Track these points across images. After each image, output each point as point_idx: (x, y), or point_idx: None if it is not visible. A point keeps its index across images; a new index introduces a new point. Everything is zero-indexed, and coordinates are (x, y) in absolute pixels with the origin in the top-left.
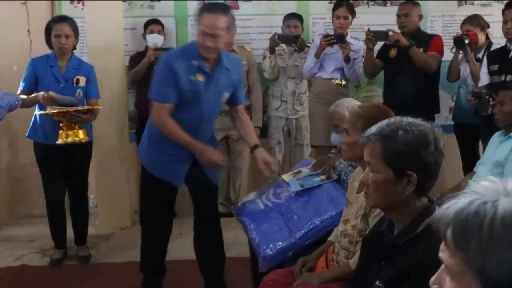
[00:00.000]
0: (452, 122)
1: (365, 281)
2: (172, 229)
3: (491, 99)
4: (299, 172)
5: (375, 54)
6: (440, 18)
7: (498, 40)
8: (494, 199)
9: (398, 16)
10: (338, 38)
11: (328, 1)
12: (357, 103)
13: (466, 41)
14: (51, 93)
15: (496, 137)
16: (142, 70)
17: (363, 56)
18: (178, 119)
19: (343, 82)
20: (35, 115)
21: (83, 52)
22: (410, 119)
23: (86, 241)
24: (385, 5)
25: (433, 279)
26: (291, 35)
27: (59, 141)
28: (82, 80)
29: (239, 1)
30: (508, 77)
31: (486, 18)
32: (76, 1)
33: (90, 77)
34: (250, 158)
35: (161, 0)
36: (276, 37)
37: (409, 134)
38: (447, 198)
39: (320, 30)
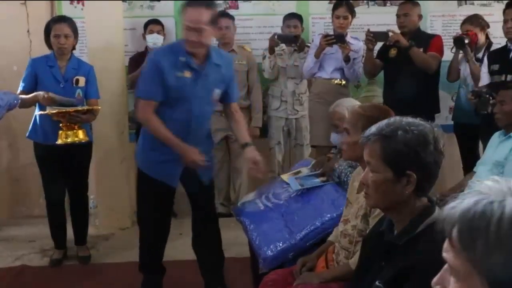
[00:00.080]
0: (452, 122)
1: (365, 281)
2: (172, 229)
3: (491, 98)
4: (299, 172)
5: (375, 54)
6: (440, 18)
7: (498, 40)
8: (500, 199)
9: (398, 16)
10: (338, 38)
11: (328, 1)
12: (357, 103)
13: (466, 41)
14: (51, 94)
15: (496, 137)
16: None
17: (363, 56)
18: (168, 117)
19: (343, 82)
20: (35, 116)
21: (83, 52)
22: (409, 119)
23: (86, 241)
24: (385, 5)
25: (435, 279)
26: (291, 35)
27: (59, 142)
28: (82, 80)
29: (239, 1)
30: (509, 77)
31: (486, 18)
32: (76, 1)
33: (89, 77)
34: None
35: (161, 0)
36: (275, 37)
37: (409, 134)
38: (450, 198)
39: (320, 30)
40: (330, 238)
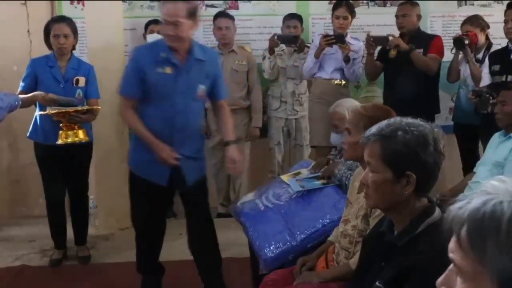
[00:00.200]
0: (452, 123)
1: (365, 281)
2: (172, 229)
3: (491, 97)
4: (299, 173)
5: (375, 56)
6: (440, 19)
7: (498, 40)
8: (510, 199)
9: (397, 16)
10: (338, 38)
11: (328, 1)
12: (357, 103)
13: (466, 42)
14: (50, 94)
15: (496, 137)
16: None
17: (363, 56)
18: (152, 114)
19: (343, 82)
20: (36, 116)
21: (83, 53)
22: (409, 120)
23: (86, 242)
24: (384, 5)
25: (440, 280)
26: (291, 36)
27: (59, 142)
28: (82, 81)
29: (239, 1)
30: (509, 78)
31: (486, 19)
32: (76, 2)
33: (89, 77)
34: (250, 158)
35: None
36: (275, 37)
37: (408, 135)
38: (451, 199)
39: (320, 31)
40: (330, 238)
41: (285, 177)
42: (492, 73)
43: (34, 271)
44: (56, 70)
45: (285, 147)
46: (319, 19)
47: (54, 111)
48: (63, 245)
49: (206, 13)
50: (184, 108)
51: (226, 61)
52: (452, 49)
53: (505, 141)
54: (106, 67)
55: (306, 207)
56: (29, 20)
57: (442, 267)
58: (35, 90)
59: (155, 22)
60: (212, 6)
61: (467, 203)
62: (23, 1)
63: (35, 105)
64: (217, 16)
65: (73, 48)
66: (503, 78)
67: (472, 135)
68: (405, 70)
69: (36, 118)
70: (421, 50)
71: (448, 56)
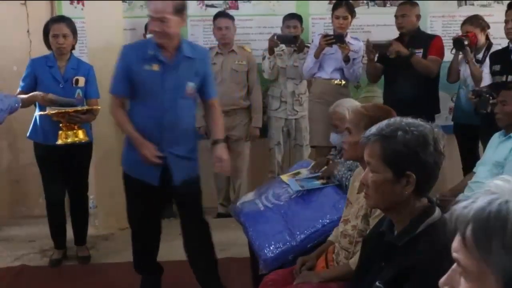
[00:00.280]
0: (452, 123)
1: (365, 281)
2: (172, 229)
3: (491, 97)
4: (298, 173)
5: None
6: (440, 19)
7: (498, 40)
8: None
9: (396, 17)
10: (337, 38)
11: (328, 2)
12: (357, 103)
13: (466, 42)
14: (50, 95)
15: (496, 137)
16: None
17: (363, 56)
18: (142, 114)
19: (343, 82)
20: (35, 116)
21: (82, 53)
22: (409, 120)
23: (86, 242)
24: (384, 5)
25: (443, 280)
26: (290, 36)
27: (59, 142)
28: (82, 81)
29: (238, 1)
30: (510, 78)
31: (486, 19)
32: (76, 2)
33: (89, 77)
34: (250, 158)
35: None
36: (275, 37)
37: (408, 135)
38: (454, 198)
39: (319, 31)
40: (330, 238)
41: (285, 177)
42: (493, 73)
43: (34, 271)
44: (55, 70)
45: (285, 147)
46: (319, 19)
47: (53, 111)
48: (63, 245)
49: (206, 13)
50: (172, 106)
51: (226, 61)
52: (452, 49)
53: (505, 141)
54: (106, 67)
55: (306, 207)
56: (29, 20)
57: (442, 267)
58: (35, 90)
59: None
60: (212, 6)
61: (472, 202)
62: (23, 1)
63: (35, 105)
64: (217, 16)
65: (73, 48)
66: (504, 78)
67: (472, 135)
68: (405, 70)
69: (36, 118)
70: (421, 51)
71: (448, 56)
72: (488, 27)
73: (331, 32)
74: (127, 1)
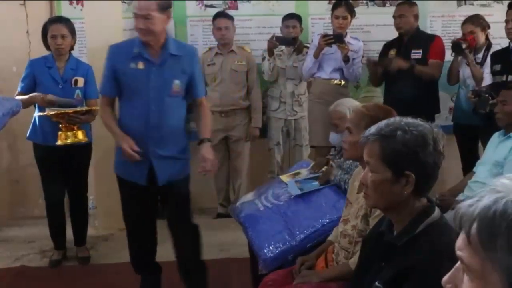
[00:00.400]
0: (451, 123)
1: (365, 281)
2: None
3: (490, 97)
4: (298, 173)
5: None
6: (440, 19)
7: (498, 40)
8: None
9: (394, 17)
10: (337, 38)
11: (327, 1)
12: (357, 103)
13: (464, 46)
14: (49, 96)
15: (495, 137)
16: None
17: (363, 56)
18: (129, 113)
19: (343, 82)
20: (35, 117)
21: (82, 53)
22: (409, 120)
23: (86, 242)
24: (384, 5)
25: (446, 278)
26: (289, 37)
27: (59, 142)
28: (81, 81)
29: (238, 1)
30: (510, 77)
31: (486, 19)
32: (75, 2)
33: (88, 77)
34: (250, 159)
35: None
36: (274, 39)
37: (408, 135)
38: (454, 198)
39: (319, 31)
40: (330, 238)
41: (284, 177)
42: (493, 73)
43: (34, 271)
44: (54, 71)
45: (285, 148)
46: (318, 19)
47: (53, 112)
48: (62, 246)
49: (206, 13)
50: (159, 105)
51: (226, 61)
52: (452, 52)
53: (505, 140)
54: None
55: (305, 207)
56: (28, 20)
57: (441, 267)
58: (34, 91)
59: None
60: (211, 6)
61: (478, 201)
62: (22, 2)
63: (34, 106)
64: (217, 16)
65: (72, 48)
66: (504, 78)
67: (472, 135)
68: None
69: (35, 119)
70: (420, 51)
71: (448, 56)
72: (489, 27)
73: (330, 32)
74: (127, 1)
